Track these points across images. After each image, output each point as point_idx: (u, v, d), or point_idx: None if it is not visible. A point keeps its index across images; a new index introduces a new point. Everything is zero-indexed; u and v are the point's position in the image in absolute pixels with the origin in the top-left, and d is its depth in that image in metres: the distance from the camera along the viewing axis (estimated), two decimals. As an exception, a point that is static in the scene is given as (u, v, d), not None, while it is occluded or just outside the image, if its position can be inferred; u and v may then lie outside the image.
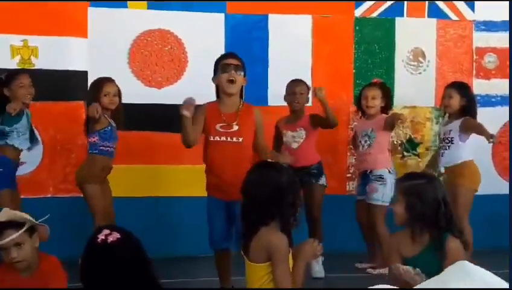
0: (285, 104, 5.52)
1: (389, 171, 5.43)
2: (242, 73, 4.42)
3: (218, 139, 4.35)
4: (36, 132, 5.44)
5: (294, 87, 5.41)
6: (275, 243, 3.00)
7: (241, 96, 4.48)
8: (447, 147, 5.45)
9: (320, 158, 5.44)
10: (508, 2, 5.96)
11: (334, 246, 5.35)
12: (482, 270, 1.18)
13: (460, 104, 5.41)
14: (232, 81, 4.36)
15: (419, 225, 3.17)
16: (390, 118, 5.41)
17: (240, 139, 4.35)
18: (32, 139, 5.20)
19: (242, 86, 4.45)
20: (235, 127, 4.36)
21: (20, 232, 3.19)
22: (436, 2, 6.40)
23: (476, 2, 6.44)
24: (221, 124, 4.35)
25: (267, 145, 4.61)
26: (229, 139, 4.34)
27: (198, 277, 5.03)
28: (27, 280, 3.29)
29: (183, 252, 5.67)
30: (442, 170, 5.59)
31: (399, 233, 3.33)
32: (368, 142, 5.49)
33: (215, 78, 4.47)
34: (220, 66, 4.41)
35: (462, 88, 5.52)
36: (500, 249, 4.97)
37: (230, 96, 4.41)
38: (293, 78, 5.54)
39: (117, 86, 5.16)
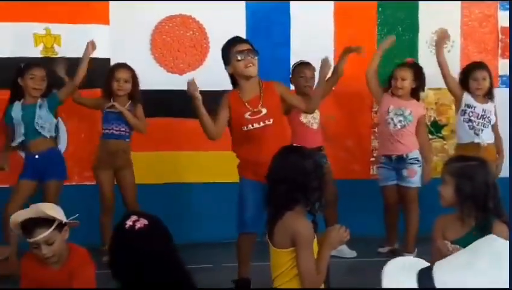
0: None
1: (419, 153, 5.46)
2: (257, 52, 4.34)
3: (251, 127, 4.30)
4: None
5: (305, 70, 5.42)
6: (299, 228, 3.00)
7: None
8: (487, 126, 5.54)
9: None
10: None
11: (358, 230, 5.35)
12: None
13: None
14: (250, 66, 4.28)
15: (468, 207, 3.16)
16: (423, 128, 5.54)
17: (271, 121, 4.30)
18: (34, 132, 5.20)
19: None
20: (263, 111, 4.30)
21: (50, 230, 3.21)
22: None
23: (501, -19, 6.39)
24: (249, 113, 4.29)
25: (302, 100, 4.63)
26: (261, 124, 4.29)
27: (221, 262, 5.06)
28: (56, 272, 3.32)
29: (204, 238, 5.70)
30: (485, 144, 5.56)
31: (445, 216, 3.32)
32: (403, 123, 5.42)
33: (229, 68, 4.37)
34: (233, 54, 4.29)
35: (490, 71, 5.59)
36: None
37: (250, 80, 4.32)
38: (317, 65, 5.54)
39: (131, 72, 5.23)
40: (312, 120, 5.42)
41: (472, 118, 5.56)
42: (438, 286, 1.19)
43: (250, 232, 4.33)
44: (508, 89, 6.39)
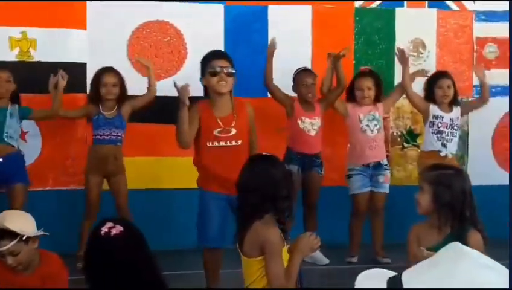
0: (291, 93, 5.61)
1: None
2: (233, 72, 4.30)
3: (217, 144, 4.26)
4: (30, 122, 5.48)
5: (307, 78, 5.49)
6: (268, 237, 2.98)
7: (230, 94, 4.36)
8: (455, 134, 5.70)
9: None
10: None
11: (334, 237, 5.41)
12: (475, 252, 1.26)
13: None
14: (223, 83, 4.25)
15: (444, 215, 3.18)
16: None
17: (239, 142, 4.28)
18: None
19: (232, 86, 4.33)
20: (233, 131, 4.27)
21: (13, 243, 3.17)
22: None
23: (477, -8, 6.48)
24: (219, 129, 4.25)
25: (257, 139, 4.49)
26: (228, 143, 4.26)
27: (201, 269, 5.05)
28: (27, 278, 3.30)
29: (185, 244, 5.67)
30: (450, 156, 5.65)
31: (420, 224, 3.35)
32: (378, 126, 5.54)
33: (203, 79, 4.35)
34: (209, 69, 4.27)
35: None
36: (500, 240, 5.01)
37: (221, 96, 4.29)
38: (294, 69, 5.61)
39: (118, 76, 5.24)
40: (309, 126, 5.49)
41: (441, 128, 5.66)
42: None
43: (214, 247, 4.30)
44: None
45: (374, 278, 1.29)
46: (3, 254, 3.20)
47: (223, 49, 5.55)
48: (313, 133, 5.48)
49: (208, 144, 4.27)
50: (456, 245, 1.24)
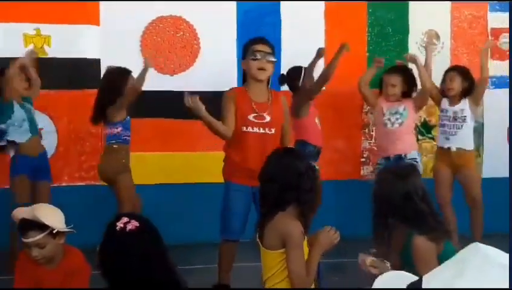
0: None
1: (418, 153, 5.55)
2: (274, 60, 4.28)
3: (251, 130, 4.23)
4: (45, 117, 5.51)
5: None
6: (290, 229, 2.99)
7: (267, 84, 4.34)
8: (460, 127, 5.57)
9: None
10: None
11: (348, 231, 5.39)
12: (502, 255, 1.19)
13: (463, 87, 5.56)
14: (262, 69, 4.23)
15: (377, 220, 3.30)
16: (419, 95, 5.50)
17: (273, 130, 4.26)
18: (33, 130, 5.21)
19: (270, 75, 4.32)
20: (267, 118, 4.24)
21: (41, 235, 3.19)
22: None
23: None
24: (254, 115, 4.22)
25: (291, 135, 4.49)
26: (261, 130, 4.23)
27: (213, 263, 5.07)
28: (50, 272, 3.32)
29: (199, 238, 5.71)
30: (454, 149, 5.62)
31: None
32: (400, 120, 5.48)
33: (244, 63, 4.31)
34: (250, 51, 4.23)
35: (464, 72, 5.64)
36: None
37: (259, 83, 4.27)
38: (307, 64, 5.61)
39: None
40: (318, 121, 5.50)
41: (444, 122, 5.64)
42: None
43: (232, 240, 4.32)
44: (498, 90, 6.46)
45: (392, 283, 1.24)
46: (30, 245, 3.21)
47: (235, 45, 5.56)
48: (320, 126, 5.51)
49: (242, 129, 4.24)
50: (479, 248, 1.19)
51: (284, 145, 4.31)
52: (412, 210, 3.15)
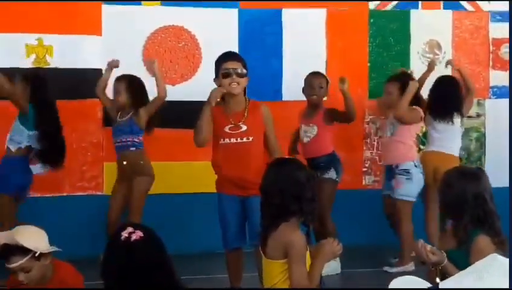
0: (300, 98, 5.55)
1: (415, 165, 5.40)
2: (244, 72, 4.36)
3: (228, 141, 4.34)
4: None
5: (313, 80, 5.42)
6: (293, 240, 3.00)
7: (244, 94, 4.43)
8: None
9: (331, 151, 5.40)
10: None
11: (351, 240, 5.40)
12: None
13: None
14: (235, 83, 4.32)
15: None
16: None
17: (250, 138, 4.33)
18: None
19: (244, 86, 4.39)
20: (243, 127, 4.33)
21: (24, 259, 3.10)
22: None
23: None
24: (229, 126, 4.33)
25: (277, 143, 4.49)
26: (239, 140, 4.33)
27: (214, 273, 5.08)
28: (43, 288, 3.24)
29: (199, 248, 5.71)
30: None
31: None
32: (392, 130, 5.47)
33: (217, 80, 4.42)
34: (221, 71, 4.35)
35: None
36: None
37: (234, 96, 4.37)
38: (308, 72, 5.59)
39: (124, 82, 5.28)
40: (303, 134, 5.44)
41: None
42: None
43: (235, 248, 4.41)
44: (500, 100, 6.47)
45: (408, 285, 1.22)
46: (15, 271, 3.13)
47: (237, 54, 5.57)
48: (305, 140, 5.42)
49: (220, 142, 4.36)
50: (497, 258, 1.18)
51: (272, 153, 4.35)
52: (482, 210, 3.16)
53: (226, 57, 4.46)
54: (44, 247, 3.17)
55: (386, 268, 5.36)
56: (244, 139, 4.33)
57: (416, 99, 5.49)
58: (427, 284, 1.24)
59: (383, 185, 5.68)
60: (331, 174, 5.33)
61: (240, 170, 4.25)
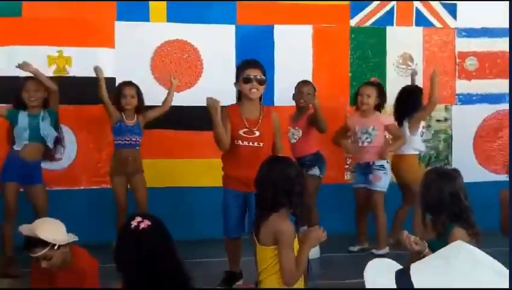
0: (289, 104, 5.57)
1: (387, 161, 5.49)
2: (264, 79, 4.26)
3: (241, 143, 4.24)
4: (67, 129, 5.42)
5: (302, 87, 5.46)
6: (282, 228, 3.01)
7: (260, 100, 4.34)
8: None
9: (316, 150, 5.43)
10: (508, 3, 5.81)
11: (333, 228, 5.38)
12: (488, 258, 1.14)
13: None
14: (254, 89, 4.22)
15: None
16: (396, 135, 5.52)
17: (261, 144, 4.24)
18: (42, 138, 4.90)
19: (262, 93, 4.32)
20: (257, 133, 4.23)
21: (45, 250, 3.11)
22: (422, 11, 6.40)
23: (458, 10, 6.42)
24: (244, 130, 4.23)
25: (282, 146, 4.44)
26: (250, 144, 4.24)
27: (214, 257, 5.06)
28: (63, 273, 3.27)
29: (200, 235, 5.68)
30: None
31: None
32: (369, 139, 5.47)
33: (237, 85, 4.32)
34: (243, 76, 4.23)
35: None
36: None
37: (251, 101, 4.27)
38: (297, 81, 5.59)
39: (135, 88, 5.22)
40: (291, 135, 5.48)
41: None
42: (416, 284, 1.14)
43: (234, 238, 4.38)
44: (464, 106, 6.49)
45: (382, 271, 1.20)
46: (38, 259, 3.16)
47: (234, 65, 5.57)
48: (292, 141, 5.46)
49: (235, 142, 4.25)
50: (464, 245, 1.16)
51: (276, 154, 4.29)
52: (458, 207, 3.17)
53: (248, 64, 4.32)
54: (62, 239, 3.18)
55: (351, 248, 5.50)
56: (256, 144, 4.25)
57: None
58: (397, 265, 1.23)
59: (355, 179, 5.68)
60: (315, 171, 5.37)
61: (247, 169, 4.00)
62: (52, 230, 3.18)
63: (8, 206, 4.75)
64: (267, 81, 5.91)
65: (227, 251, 4.47)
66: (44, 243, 3.12)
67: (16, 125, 4.87)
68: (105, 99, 5.19)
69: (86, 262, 3.33)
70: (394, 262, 1.25)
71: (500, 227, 3.82)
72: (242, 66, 4.34)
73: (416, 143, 5.71)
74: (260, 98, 4.34)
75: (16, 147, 4.88)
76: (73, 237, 3.24)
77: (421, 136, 5.75)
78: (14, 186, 4.79)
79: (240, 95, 4.37)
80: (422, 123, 5.76)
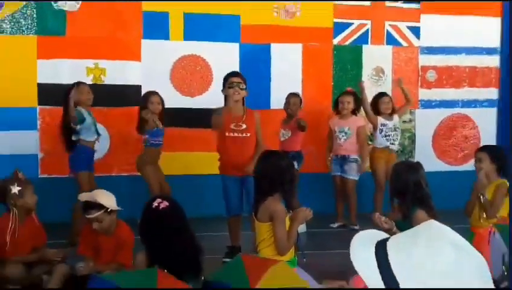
0: (283, 107, 5.63)
1: (359, 156, 5.56)
2: (244, 87, 4.37)
3: (232, 135, 4.34)
4: (101, 127, 5.41)
5: (290, 99, 5.57)
6: (277, 209, 3.05)
7: (243, 104, 4.43)
8: (398, 135, 5.80)
9: (299, 149, 5.52)
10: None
11: (316, 208, 5.39)
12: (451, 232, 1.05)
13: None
14: (237, 93, 4.32)
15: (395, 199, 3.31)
16: (361, 136, 5.55)
17: (248, 134, 4.35)
18: (97, 132, 5.01)
19: (243, 97, 4.40)
20: (244, 126, 4.35)
21: (98, 213, 3.20)
22: (392, 32, 6.41)
23: (421, 32, 6.43)
24: (234, 124, 4.34)
25: (261, 138, 4.48)
26: (239, 134, 4.34)
27: (220, 231, 5.06)
28: (106, 239, 3.35)
29: (209, 213, 5.67)
30: (393, 149, 5.72)
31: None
32: (345, 137, 5.57)
33: (224, 91, 4.43)
34: (228, 83, 4.36)
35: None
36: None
37: (236, 103, 4.35)
38: (289, 91, 5.68)
39: (160, 97, 5.21)
40: (281, 135, 5.58)
41: (388, 132, 5.69)
42: (390, 257, 1.05)
43: (235, 215, 4.42)
44: (425, 110, 6.51)
45: (365, 241, 1.10)
46: (91, 221, 3.24)
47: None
48: (282, 139, 5.56)
49: (226, 134, 4.35)
50: (434, 223, 1.08)
51: (257, 145, 4.37)
52: (420, 193, 3.16)
53: (232, 74, 4.49)
54: (113, 205, 3.29)
55: (331, 225, 5.58)
56: (244, 135, 4.35)
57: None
58: (383, 235, 1.14)
59: (333, 168, 5.69)
60: (294, 164, 5.40)
61: (239, 156, 4.27)
62: (106, 198, 3.29)
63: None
64: (264, 89, 6.03)
65: (229, 227, 4.49)
66: (99, 207, 3.20)
67: (85, 121, 4.82)
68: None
69: (126, 233, 3.39)
70: (379, 232, 1.17)
71: (464, 208, 3.76)
72: (227, 76, 4.45)
73: (378, 139, 5.73)
74: (243, 101, 4.40)
75: (88, 139, 4.85)
76: (120, 208, 3.33)
77: (380, 133, 5.73)
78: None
79: (226, 99, 4.45)
80: (381, 121, 5.71)
